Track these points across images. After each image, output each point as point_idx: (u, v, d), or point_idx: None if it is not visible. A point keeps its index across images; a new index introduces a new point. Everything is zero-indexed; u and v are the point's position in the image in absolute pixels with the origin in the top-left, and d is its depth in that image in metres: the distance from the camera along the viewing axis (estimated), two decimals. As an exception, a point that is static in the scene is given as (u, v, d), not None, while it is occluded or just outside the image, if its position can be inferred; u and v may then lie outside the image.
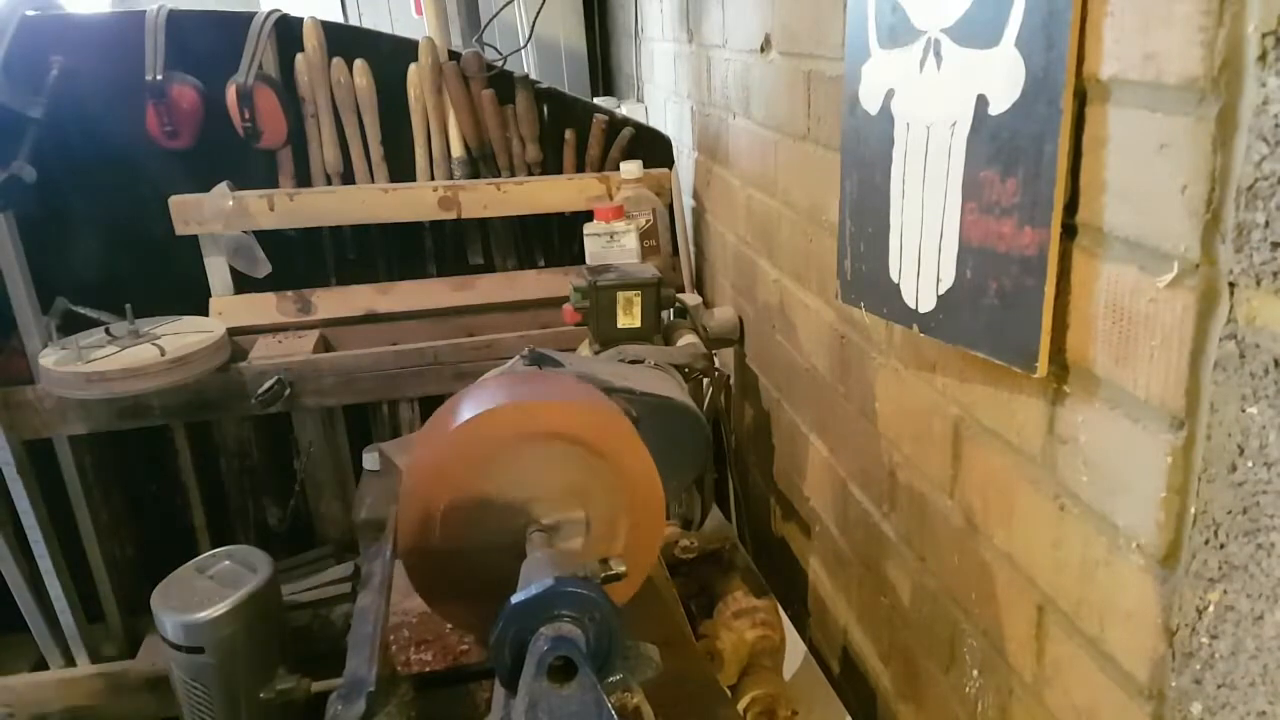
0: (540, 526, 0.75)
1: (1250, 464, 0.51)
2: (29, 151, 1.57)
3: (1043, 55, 0.64)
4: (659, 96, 2.26)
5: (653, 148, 1.91)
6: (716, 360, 1.18)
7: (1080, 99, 0.63)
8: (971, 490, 0.87)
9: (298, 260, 1.82)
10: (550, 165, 1.90)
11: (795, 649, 1.28)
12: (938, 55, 0.76)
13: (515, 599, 0.56)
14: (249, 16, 1.71)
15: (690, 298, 1.68)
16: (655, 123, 2.10)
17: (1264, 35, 0.48)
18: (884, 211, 0.88)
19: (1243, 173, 0.50)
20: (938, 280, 0.80)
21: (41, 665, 1.72)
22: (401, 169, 1.86)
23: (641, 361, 1.05)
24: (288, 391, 1.62)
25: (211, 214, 1.71)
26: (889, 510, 1.08)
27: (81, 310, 1.58)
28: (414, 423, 1.74)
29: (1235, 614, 0.54)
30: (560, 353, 0.94)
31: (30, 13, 1.60)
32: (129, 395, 1.51)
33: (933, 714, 1.01)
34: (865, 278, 0.94)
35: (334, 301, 1.81)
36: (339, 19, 2.83)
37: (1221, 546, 0.54)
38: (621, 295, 1.18)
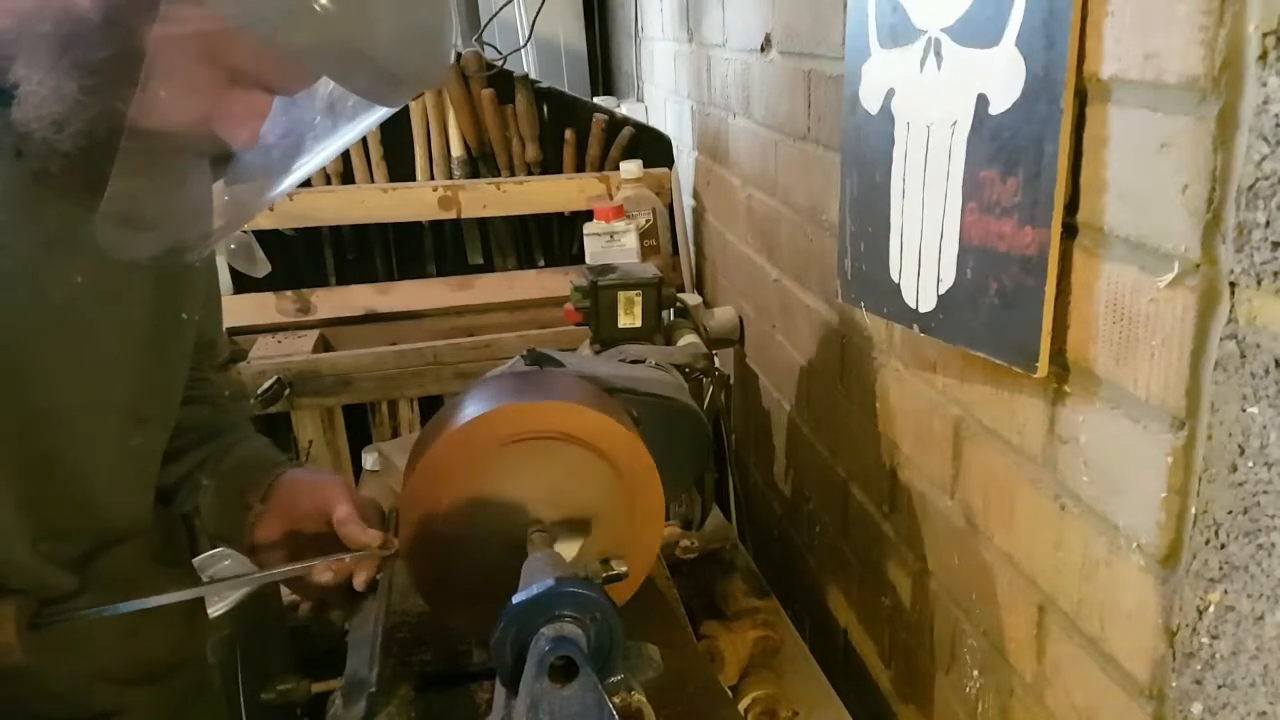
0: (540, 526, 0.75)
1: (1251, 464, 0.51)
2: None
3: (1043, 55, 0.64)
4: (659, 96, 2.26)
5: (653, 147, 1.91)
6: (716, 360, 1.18)
7: (1081, 98, 0.63)
8: (972, 490, 0.87)
9: (297, 260, 1.82)
10: (550, 165, 1.90)
11: (795, 649, 1.28)
12: (938, 55, 0.76)
13: (516, 599, 0.56)
14: (249, 16, 1.70)
15: (690, 298, 1.68)
16: (655, 122, 2.10)
17: (1264, 35, 0.48)
18: (884, 211, 0.88)
19: (1243, 172, 0.50)
20: (938, 280, 0.80)
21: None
22: (401, 169, 1.86)
23: (642, 361, 1.05)
24: (287, 391, 1.61)
25: (211, 214, 1.70)
26: (889, 510, 1.08)
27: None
28: (414, 423, 1.74)
29: (1236, 614, 0.54)
30: (560, 353, 0.94)
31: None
32: (129, 395, 1.51)
33: (933, 714, 1.01)
34: (865, 277, 0.94)
35: (334, 301, 1.80)
36: (339, 19, 2.82)
37: (1222, 547, 0.54)
38: (622, 295, 1.18)
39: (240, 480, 0.84)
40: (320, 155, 0.69)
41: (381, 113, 0.66)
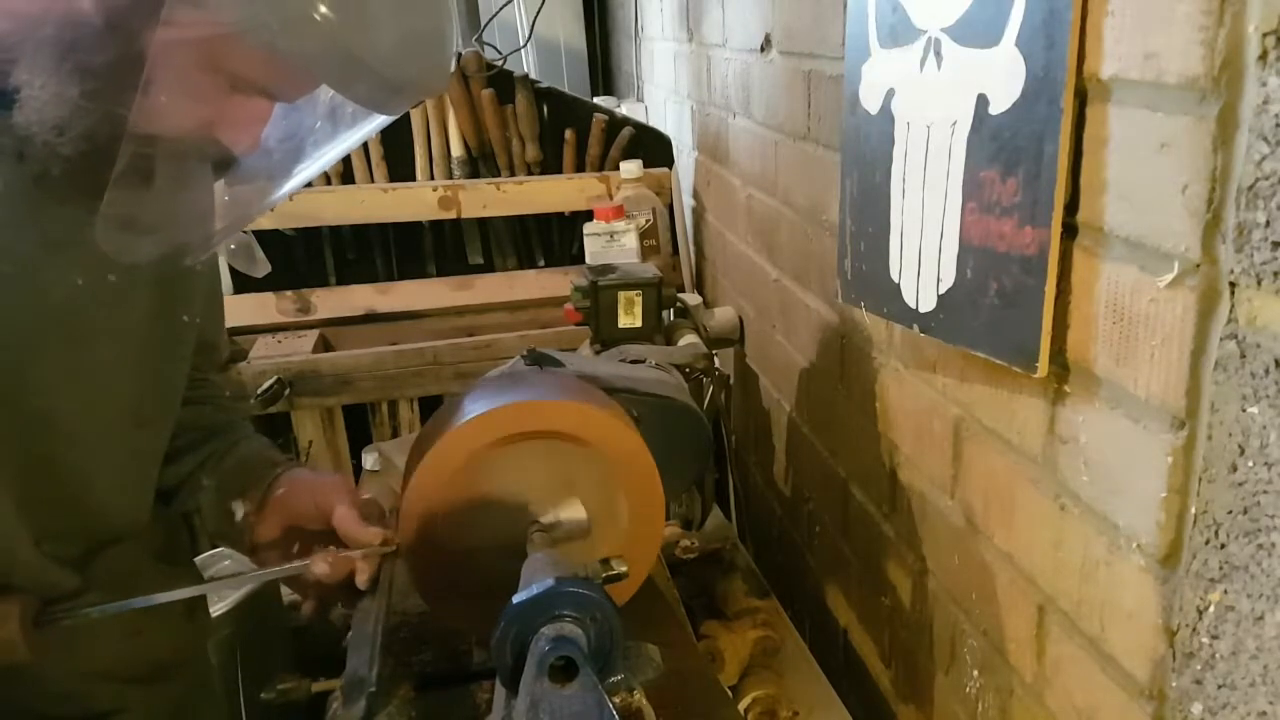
0: (541, 526, 0.75)
1: (1251, 464, 0.51)
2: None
3: (1043, 55, 0.64)
4: (659, 96, 2.26)
5: (653, 147, 1.91)
6: (716, 360, 1.18)
7: (1081, 98, 0.63)
8: (972, 490, 0.87)
9: (297, 260, 1.82)
10: (550, 165, 1.90)
11: (795, 649, 1.28)
12: (938, 55, 0.76)
13: (516, 599, 0.56)
14: (249, 16, 1.70)
15: (690, 298, 1.68)
16: (655, 122, 2.10)
17: (1264, 35, 0.48)
18: (884, 211, 0.88)
19: (1243, 172, 0.50)
20: (938, 280, 0.80)
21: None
22: (401, 169, 1.86)
23: (642, 361, 1.05)
24: (287, 391, 1.61)
25: (211, 214, 1.70)
26: (889, 510, 1.08)
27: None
28: (414, 423, 1.74)
29: (1236, 614, 0.54)
30: (560, 353, 0.94)
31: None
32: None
33: (933, 714, 1.01)
34: (865, 277, 0.94)
35: (334, 301, 1.80)
36: (339, 19, 2.82)
37: (1222, 546, 0.54)
38: (623, 295, 1.18)
39: (241, 480, 0.84)
40: (321, 160, 0.69)
41: (382, 120, 0.66)
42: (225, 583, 0.95)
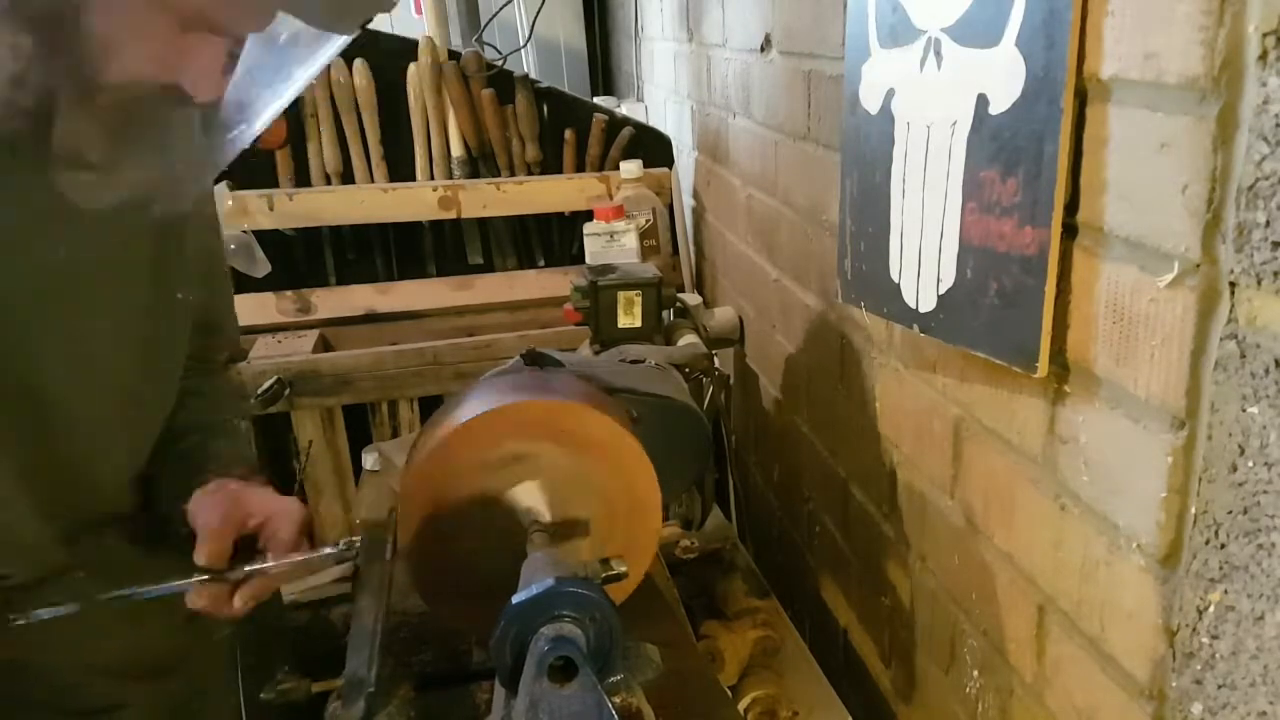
0: (540, 526, 0.75)
1: (1251, 464, 0.51)
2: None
3: (1043, 55, 0.64)
4: (659, 96, 2.26)
5: (653, 147, 1.90)
6: (716, 360, 1.18)
7: (1081, 98, 0.63)
8: (972, 490, 0.87)
9: (297, 260, 1.82)
10: (550, 165, 1.90)
11: (795, 649, 1.28)
12: (938, 55, 0.76)
13: (516, 599, 0.56)
14: (249, 16, 1.70)
15: (690, 298, 1.68)
16: (655, 122, 2.10)
17: (1264, 35, 0.48)
18: (884, 211, 0.88)
19: (1243, 172, 0.50)
20: (938, 280, 0.80)
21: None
22: (401, 169, 1.86)
23: (642, 361, 1.05)
24: (287, 391, 1.61)
25: (211, 214, 1.70)
26: (889, 510, 1.08)
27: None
28: (414, 423, 1.74)
29: (1236, 614, 0.54)
30: (560, 353, 0.94)
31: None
32: (129, 395, 1.50)
33: (933, 714, 1.01)
34: (865, 277, 0.94)
35: (334, 301, 1.80)
36: (339, 19, 2.82)
37: (1222, 546, 0.54)
38: (622, 295, 1.18)
39: (185, 480, 0.80)
40: (285, 95, 0.67)
41: (339, 41, 0.65)
42: (115, 600, 0.90)
